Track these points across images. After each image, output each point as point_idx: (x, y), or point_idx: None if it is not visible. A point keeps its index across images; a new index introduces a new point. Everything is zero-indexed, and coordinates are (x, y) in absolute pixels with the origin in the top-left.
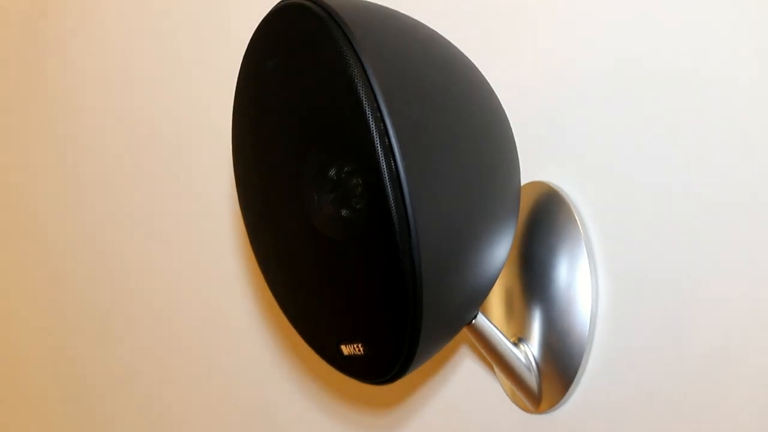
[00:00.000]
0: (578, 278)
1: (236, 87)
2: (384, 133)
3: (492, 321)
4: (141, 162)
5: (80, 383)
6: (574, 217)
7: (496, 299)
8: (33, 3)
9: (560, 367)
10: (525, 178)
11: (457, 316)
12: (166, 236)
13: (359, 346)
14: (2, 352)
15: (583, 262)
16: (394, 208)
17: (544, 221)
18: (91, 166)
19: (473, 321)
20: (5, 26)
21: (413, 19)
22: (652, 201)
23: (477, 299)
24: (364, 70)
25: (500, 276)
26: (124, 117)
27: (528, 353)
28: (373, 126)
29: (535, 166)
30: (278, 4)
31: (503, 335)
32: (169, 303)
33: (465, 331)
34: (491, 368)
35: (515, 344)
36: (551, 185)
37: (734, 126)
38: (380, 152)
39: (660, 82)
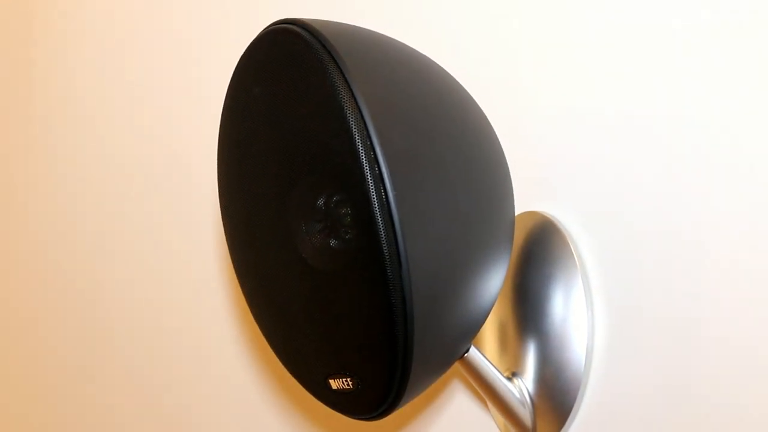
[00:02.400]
0: (574, 311)
1: (222, 112)
2: (374, 162)
3: (485, 355)
4: (135, 169)
5: (71, 392)
6: (570, 248)
7: (489, 332)
8: (26, 4)
9: (555, 403)
10: (519, 207)
11: (449, 349)
12: (151, 264)
13: (348, 380)
14: None
15: (578, 295)
16: (384, 238)
17: (539, 252)
18: (84, 172)
19: (466, 355)
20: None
21: (404, 44)
22: (651, 233)
23: (469, 332)
24: (354, 97)
25: (494, 308)
26: (120, 125)
27: (522, 388)
28: (362, 154)
29: (530, 196)
30: (266, 28)
31: (497, 369)
32: (151, 335)
33: (457, 365)
34: (484, 403)
35: (509, 379)
36: (546, 215)
37: (734, 162)
38: (370, 181)
39: (660, 119)
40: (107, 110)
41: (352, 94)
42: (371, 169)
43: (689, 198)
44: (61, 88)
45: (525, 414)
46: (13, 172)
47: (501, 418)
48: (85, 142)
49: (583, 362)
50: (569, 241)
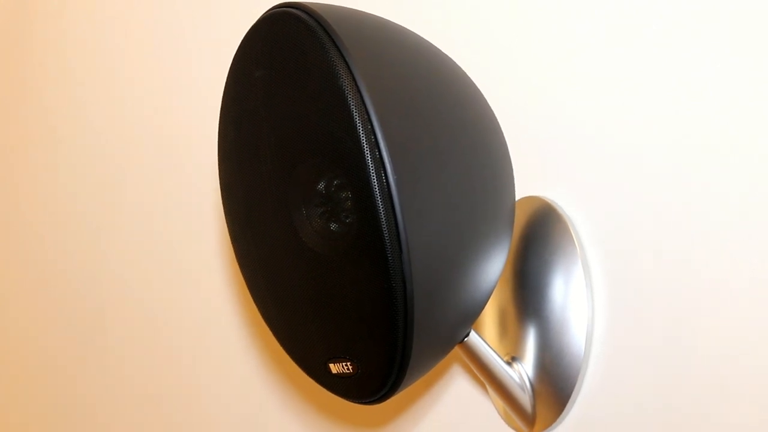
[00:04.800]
0: (574, 296)
1: (223, 96)
2: (375, 146)
3: (485, 339)
4: (131, 164)
5: (68, 388)
6: (570, 233)
7: (489, 317)
8: (24, 4)
9: (555, 387)
10: (520, 192)
11: (449, 334)
12: (151, 247)
13: (348, 364)
14: None
15: (579, 280)
16: (384, 222)
17: (540, 237)
18: (82, 167)
19: (465, 339)
20: None
21: (406, 28)
22: (651, 217)
23: (469, 317)
24: (355, 81)
25: (494, 293)
26: (115, 119)
27: (522, 373)
28: (363, 138)
29: (530, 181)
30: (267, 11)
31: (496, 354)
32: (155, 317)
33: (457, 350)
34: (484, 388)
35: (509, 363)
36: (547, 200)
37: (734, 132)
38: (371, 165)
39: (662, 106)
40: (105, 95)
41: (353, 78)
42: (372, 153)
43: (691, 185)
44: (59, 73)
45: (525, 398)
46: (12, 149)
47: (501, 403)
48: (84, 127)
49: (583, 347)
50: (570, 227)
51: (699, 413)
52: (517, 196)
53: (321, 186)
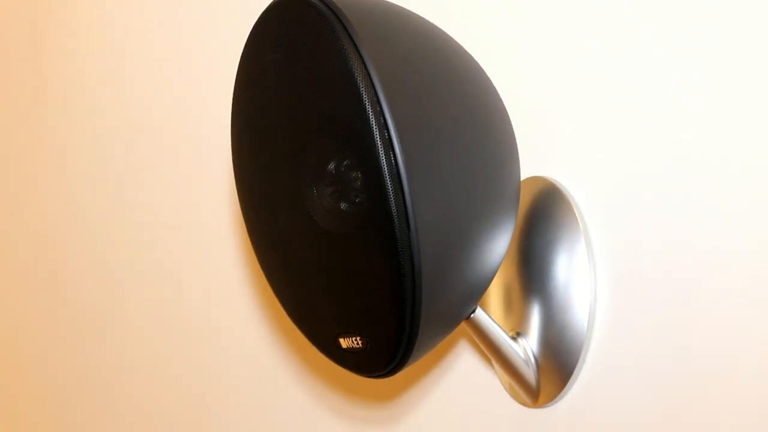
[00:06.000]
0: (577, 274)
1: (236, 80)
2: (384, 127)
3: (491, 315)
4: (140, 151)
5: (78, 373)
6: (574, 212)
7: (494, 294)
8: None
9: (558, 362)
10: (525, 173)
11: (456, 310)
12: (165, 226)
13: (357, 339)
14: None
15: (582, 258)
16: (393, 202)
17: (544, 217)
18: (90, 152)
19: (472, 315)
20: (5, 25)
21: (413, 12)
22: (653, 197)
23: (475, 294)
24: (364, 64)
25: (499, 271)
26: (123, 103)
27: (526, 348)
28: (372, 119)
29: (535, 162)
30: None
31: (502, 330)
32: (167, 295)
33: (463, 326)
34: (489, 363)
35: (513, 339)
36: (551, 180)
37: (738, 113)
38: (380, 146)
39: (666, 87)
40: (118, 77)
41: (363, 61)
42: (381, 134)
43: (694, 165)
44: (72, 56)
45: (529, 373)
46: (25, 126)
47: (506, 377)
48: (98, 107)
49: (586, 323)
50: (573, 206)
51: (701, 387)
52: (522, 177)
53: (331, 166)
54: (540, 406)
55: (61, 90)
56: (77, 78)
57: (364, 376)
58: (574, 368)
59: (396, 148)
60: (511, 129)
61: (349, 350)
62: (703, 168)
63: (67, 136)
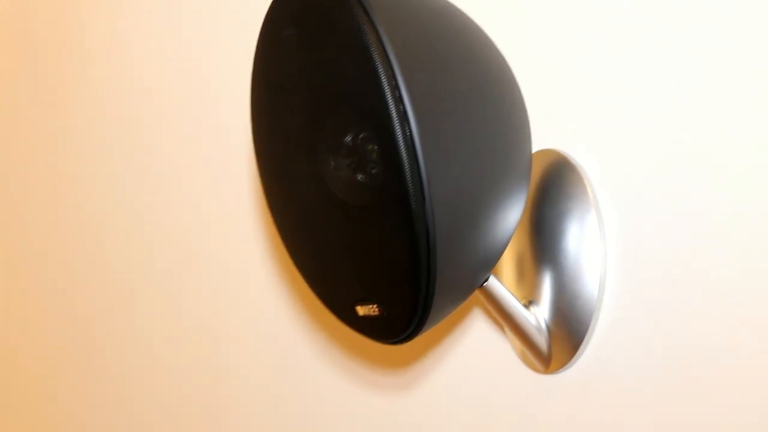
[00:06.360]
0: (588, 244)
1: (254, 55)
2: (399, 101)
3: (504, 284)
4: (160, 124)
5: (98, 345)
6: (584, 184)
7: (507, 264)
8: None
9: (569, 330)
10: (536, 146)
11: (470, 278)
12: (184, 198)
13: (374, 307)
14: (19, 322)
15: (592, 229)
16: (408, 173)
17: (555, 188)
18: (111, 123)
19: (485, 284)
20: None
21: None
22: (662, 169)
23: (489, 263)
24: (379, 38)
25: (512, 241)
26: (143, 78)
27: (538, 316)
28: (388, 93)
29: (545, 134)
30: None
31: (514, 297)
32: (187, 264)
33: (477, 294)
34: (502, 330)
35: (526, 307)
36: (562, 153)
37: (750, 96)
38: (395, 119)
39: (674, 56)
40: (140, 55)
41: (379, 36)
42: (396, 107)
43: (704, 135)
44: (103, 30)
45: (541, 340)
46: (54, 103)
47: (518, 344)
48: (119, 83)
49: (596, 292)
50: (583, 177)
51: (709, 356)
52: (534, 150)
53: (348, 139)
54: (551, 372)
55: (77, 74)
56: (88, 65)
57: (381, 343)
58: (584, 336)
59: (411, 120)
60: (523, 102)
61: (365, 317)
62: (716, 137)
63: (87, 117)
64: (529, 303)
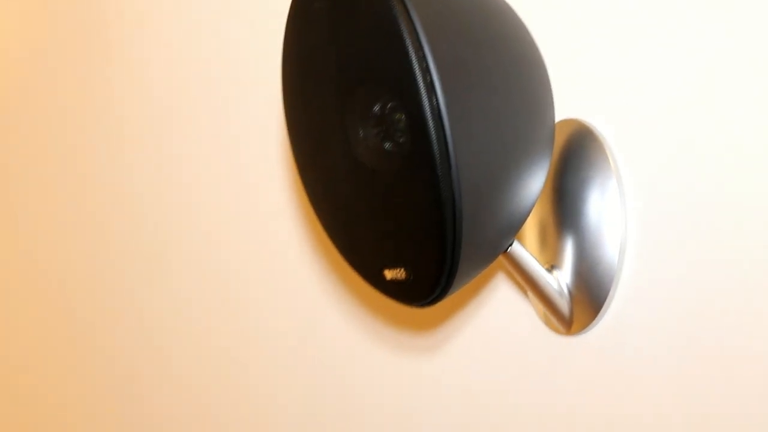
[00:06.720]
0: (608, 210)
1: (285, 28)
2: (426, 71)
3: (527, 249)
4: (203, 90)
5: (136, 307)
6: (605, 152)
7: (530, 230)
8: None
9: (590, 293)
10: (558, 115)
11: (494, 243)
12: (215, 165)
13: (401, 271)
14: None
15: (613, 195)
16: (435, 142)
17: (577, 156)
18: (147, 89)
19: (509, 249)
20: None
21: None
22: (681, 136)
23: (513, 228)
24: (407, 10)
25: (535, 208)
26: (181, 48)
27: (560, 280)
28: (415, 64)
29: (568, 104)
30: None
31: (537, 262)
32: (219, 231)
33: (501, 259)
34: (525, 294)
35: (548, 271)
36: (583, 122)
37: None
38: (422, 89)
39: (695, 29)
40: (170, 26)
41: (406, 8)
42: (423, 77)
43: (723, 105)
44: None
45: (563, 303)
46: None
47: (541, 307)
48: (151, 57)
49: (617, 257)
50: (604, 146)
51: (728, 319)
52: (556, 119)
53: (376, 108)
54: (573, 334)
55: (112, 50)
56: (119, 41)
57: (407, 305)
58: (605, 299)
59: (437, 90)
60: (546, 75)
61: (393, 281)
62: (735, 107)
63: (118, 84)
64: (551, 267)
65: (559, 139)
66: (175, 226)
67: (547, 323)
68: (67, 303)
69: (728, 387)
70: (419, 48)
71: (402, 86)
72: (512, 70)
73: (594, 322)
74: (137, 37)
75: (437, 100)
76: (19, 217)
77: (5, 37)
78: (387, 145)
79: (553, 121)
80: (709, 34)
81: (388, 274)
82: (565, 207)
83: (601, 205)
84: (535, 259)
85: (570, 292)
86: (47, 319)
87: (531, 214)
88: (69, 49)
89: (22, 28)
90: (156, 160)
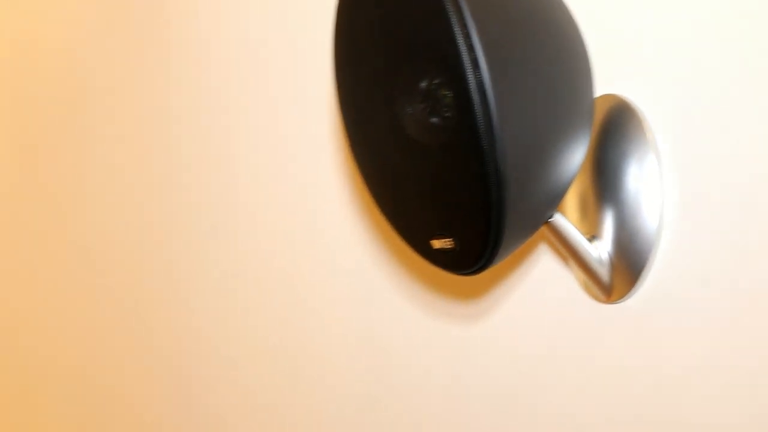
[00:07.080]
0: (647, 183)
1: (336, 9)
2: (471, 49)
3: (568, 220)
4: (256, 69)
5: (183, 275)
6: (643, 126)
7: (571, 201)
8: None
9: (630, 263)
10: (598, 91)
11: (537, 214)
12: (269, 140)
13: (448, 240)
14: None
15: (652, 168)
16: (479, 116)
17: (616, 130)
18: (194, 68)
19: (551, 219)
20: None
21: None
22: (719, 110)
23: (555, 200)
24: None
25: (575, 180)
26: (234, 30)
27: (600, 249)
28: (461, 41)
29: (607, 80)
30: None
31: (579, 232)
32: (271, 202)
33: (543, 230)
34: (566, 263)
35: (589, 241)
36: (622, 97)
37: None
38: (467, 65)
39: (735, 6)
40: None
41: None
42: (469, 54)
43: (759, 78)
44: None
45: (603, 272)
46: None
47: (582, 275)
48: (199, 37)
49: (656, 228)
50: (642, 120)
51: (763, 289)
52: (596, 94)
53: (423, 85)
54: (613, 302)
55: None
56: (172, 29)
57: (454, 274)
58: (644, 268)
59: (482, 67)
60: (586, 49)
61: (440, 250)
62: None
63: (167, 81)
64: (592, 237)
65: (599, 114)
66: (241, 235)
67: (588, 291)
68: (138, 311)
69: (763, 357)
70: (464, 26)
71: (448, 63)
72: (553, 47)
73: (633, 289)
74: (194, 32)
75: (481, 76)
76: (90, 224)
77: (63, 23)
78: (433, 119)
79: (593, 96)
80: (757, 11)
81: (436, 243)
82: (605, 179)
83: (640, 178)
84: (577, 229)
85: (610, 261)
86: (122, 326)
87: (572, 187)
88: (128, 47)
89: (81, 19)
90: (213, 156)
